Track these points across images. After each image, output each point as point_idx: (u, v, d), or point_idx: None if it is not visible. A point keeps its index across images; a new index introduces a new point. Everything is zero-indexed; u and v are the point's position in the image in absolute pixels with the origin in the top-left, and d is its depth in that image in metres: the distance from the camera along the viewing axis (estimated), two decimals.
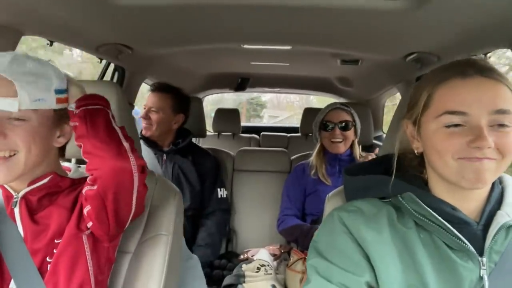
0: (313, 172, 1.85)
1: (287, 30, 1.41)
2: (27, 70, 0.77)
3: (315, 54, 1.94)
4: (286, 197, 1.93)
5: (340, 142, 1.81)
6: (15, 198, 0.85)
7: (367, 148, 2.18)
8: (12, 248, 0.82)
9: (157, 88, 1.86)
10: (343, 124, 1.81)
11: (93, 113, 0.81)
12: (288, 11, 1.16)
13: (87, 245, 0.84)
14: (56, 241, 0.82)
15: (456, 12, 1.03)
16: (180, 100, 1.89)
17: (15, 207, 0.85)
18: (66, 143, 0.90)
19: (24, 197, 0.85)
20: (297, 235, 1.77)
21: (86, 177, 0.93)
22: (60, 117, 0.85)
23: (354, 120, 1.84)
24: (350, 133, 1.83)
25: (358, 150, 1.88)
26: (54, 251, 0.83)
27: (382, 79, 2.32)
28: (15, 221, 0.85)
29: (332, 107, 1.86)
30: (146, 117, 1.82)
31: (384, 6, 1.04)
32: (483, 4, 0.95)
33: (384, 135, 2.40)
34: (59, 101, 0.82)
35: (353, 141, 1.87)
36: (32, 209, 0.86)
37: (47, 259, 0.83)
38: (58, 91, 0.82)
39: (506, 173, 0.77)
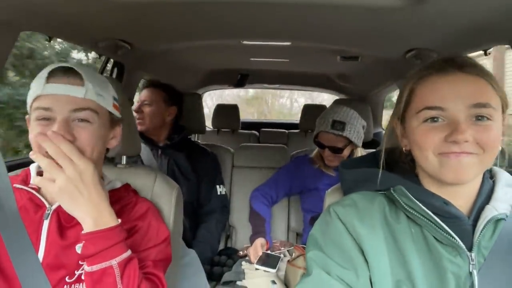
0: (317, 166, 1.86)
1: (286, 27, 1.40)
2: (92, 71, 0.88)
3: (315, 50, 1.93)
4: (274, 180, 1.97)
5: (333, 160, 1.77)
6: (47, 210, 0.85)
7: (367, 144, 2.18)
8: (25, 262, 0.78)
9: (149, 83, 1.92)
10: (333, 149, 1.74)
11: (99, 278, 0.74)
12: (288, 8, 1.16)
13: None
14: (80, 262, 0.79)
15: (456, 8, 1.02)
16: (171, 93, 1.93)
17: (46, 219, 0.84)
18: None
19: (57, 209, 0.85)
20: (251, 220, 1.91)
21: (117, 189, 0.97)
22: (113, 120, 0.92)
23: (349, 142, 1.72)
24: (343, 154, 1.75)
25: (360, 153, 1.83)
26: (76, 272, 0.81)
27: (382, 75, 2.31)
28: (40, 233, 0.83)
29: (322, 130, 1.73)
30: (139, 110, 1.85)
31: (384, 3, 1.04)
32: (483, 0, 0.95)
33: (383, 132, 2.39)
34: (114, 106, 0.91)
35: (353, 150, 1.81)
36: (62, 223, 0.85)
37: (67, 279, 0.81)
38: (114, 99, 0.92)
39: None
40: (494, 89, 0.69)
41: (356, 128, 1.72)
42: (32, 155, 0.75)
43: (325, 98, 6.26)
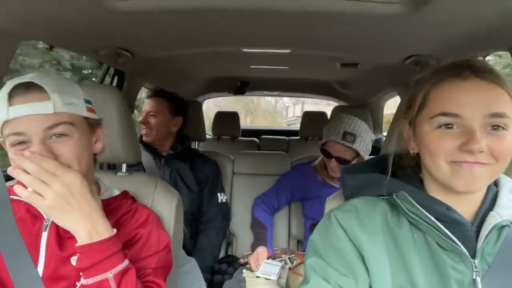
0: (319, 174, 1.85)
1: (286, 34, 1.41)
2: (53, 78, 0.80)
3: (315, 57, 1.94)
4: (275, 188, 1.98)
5: (337, 171, 1.74)
6: (46, 221, 0.83)
7: None
8: (23, 273, 0.76)
9: (154, 93, 1.89)
10: (340, 160, 1.70)
11: None
12: (287, 16, 1.17)
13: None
14: (81, 273, 0.76)
15: (455, 15, 1.03)
16: (177, 103, 1.91)
17: (45, 231, 0.83)
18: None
19: None
20: (253, 228, 1.92)
21: (115, 197, 0.95)
22: (91, 124, 0.87)
23: (357, 154, 1.70)
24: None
25: None
26: (77, 283, 0.78)
27: (381, 82, 2.32)
28: (39, 245, 0.82)
29: (332, 139, 1.69)
30: (145, 121, 1.83)
31: (383, 10, 1.04)
32: (481, 7, 0.96)
33: (384, 138, 2.38)
34: (88, 109, 0.86)
35: (358, 162, 1.80)
36: (61, 234, 0.83)
37: None
38: (86, 101, 0.86)
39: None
40: (510, 97, 0.67)
41: (366, 142, 1.70)
42: (11, 171, 0.70)
43: (308, 98, 6.23)
